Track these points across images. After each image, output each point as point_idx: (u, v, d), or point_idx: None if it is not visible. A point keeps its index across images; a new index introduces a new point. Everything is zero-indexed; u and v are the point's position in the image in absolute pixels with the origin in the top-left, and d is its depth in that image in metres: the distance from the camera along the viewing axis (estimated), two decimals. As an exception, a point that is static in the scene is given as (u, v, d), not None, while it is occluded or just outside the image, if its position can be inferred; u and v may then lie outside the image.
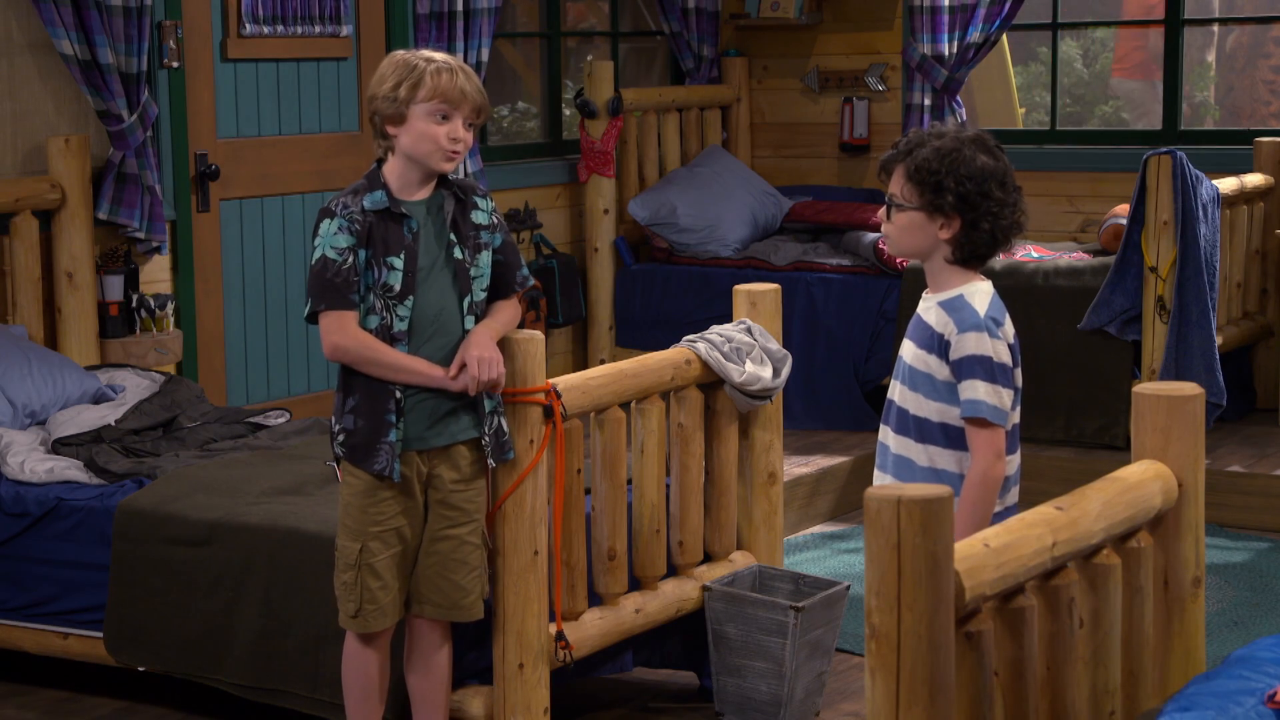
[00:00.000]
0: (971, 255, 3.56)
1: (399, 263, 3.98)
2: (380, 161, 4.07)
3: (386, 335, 3.98)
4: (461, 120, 4.00)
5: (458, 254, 4.05)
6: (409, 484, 4.05)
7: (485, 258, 4.10)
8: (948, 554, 2.53)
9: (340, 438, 4.05)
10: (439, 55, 4.05)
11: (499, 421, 4.12)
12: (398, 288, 3.98)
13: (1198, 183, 6.68)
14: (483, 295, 4.10)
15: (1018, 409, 3.59)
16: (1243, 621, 5.54)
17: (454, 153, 4.01)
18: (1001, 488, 3.56)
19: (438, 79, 3.98)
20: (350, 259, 3.95)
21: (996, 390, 3.49)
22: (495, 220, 4.14)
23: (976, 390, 3.49)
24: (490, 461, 4.12)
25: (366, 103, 4.09)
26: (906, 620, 2.50)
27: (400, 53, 4.09)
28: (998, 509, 3.57)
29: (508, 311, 4.15)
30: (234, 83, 6.66)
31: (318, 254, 3.97)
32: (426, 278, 4.01)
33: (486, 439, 4.09)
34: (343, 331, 3.96)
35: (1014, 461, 3.60)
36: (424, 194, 4.05)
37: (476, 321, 4.06)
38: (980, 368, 3.49)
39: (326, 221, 3.98)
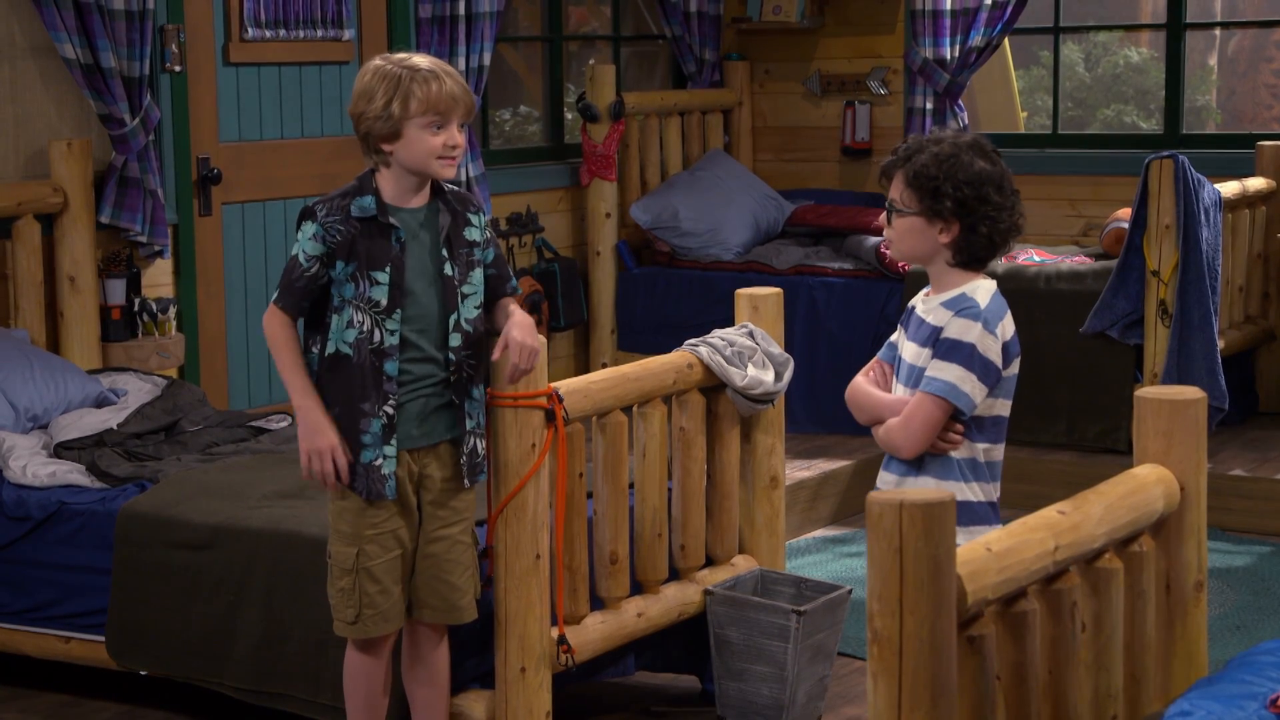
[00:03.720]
0: (971, 258, 3.59)
1: (384, 277, 3.93)
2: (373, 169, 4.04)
3: (371, 349, 3.93)
4: (455, 125, 3.96)
5: (447, 270, 3.99)
6: (401, 485, 4.02)
7: (478, 275, 4.05)
8: (950, 558, 2.53)
9: None
10: (417, 59, 3.96)
11: (475, 442, 4.07)
12: (384, 302, 3.93)
13: (1199, 186, 6.67)
14: (475, 313, 4.04)
15: (1007, 401, 3.60)
16: (1245, 625, 5.54)
17: (452, 159, 3.97)
18: (988, 475, 3.60)
19: (427, 89, 3.89)
20: (315, 268, 3.93)
21: (969, 377, 3.50)
22: (487, 235, 4.11)
23: (945, 372, 3.51)
24: (465, 482, 4.08)
25: (354, 120, 3.98)
26: (908, 624, 2.50)
27: (377, 62, 3.98)
28: (983, 499, 3.59)
29: (520, 309, 4.15)
30: (236, 87, 6.66)
31: (293, 251, 3.98)
32: (414, 290, 3.96)
33: (463, 459, 4.05)
34: (275, 320, 3.97)
35: (998, 451, 3.63)
36: (417, 202, 4.01)
37: (462, 339, 4.00)
38: (958, 353, 3.51)
39: (306, 224, 3.95)
